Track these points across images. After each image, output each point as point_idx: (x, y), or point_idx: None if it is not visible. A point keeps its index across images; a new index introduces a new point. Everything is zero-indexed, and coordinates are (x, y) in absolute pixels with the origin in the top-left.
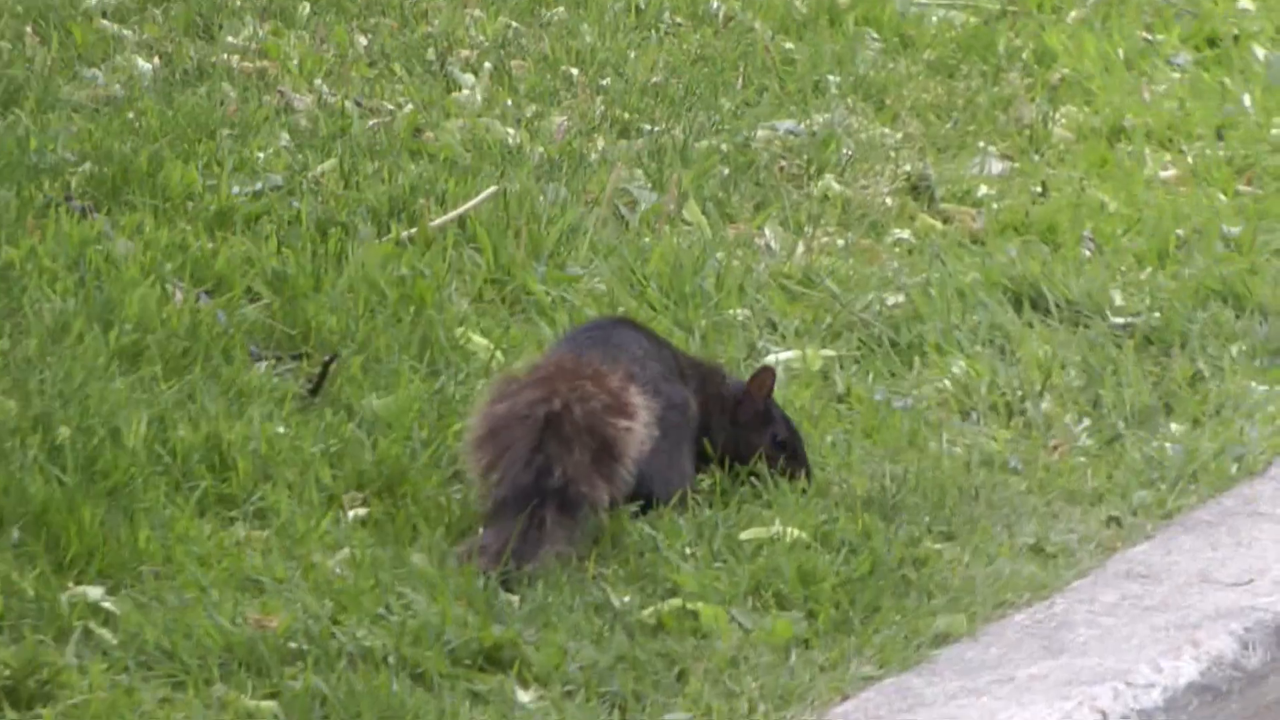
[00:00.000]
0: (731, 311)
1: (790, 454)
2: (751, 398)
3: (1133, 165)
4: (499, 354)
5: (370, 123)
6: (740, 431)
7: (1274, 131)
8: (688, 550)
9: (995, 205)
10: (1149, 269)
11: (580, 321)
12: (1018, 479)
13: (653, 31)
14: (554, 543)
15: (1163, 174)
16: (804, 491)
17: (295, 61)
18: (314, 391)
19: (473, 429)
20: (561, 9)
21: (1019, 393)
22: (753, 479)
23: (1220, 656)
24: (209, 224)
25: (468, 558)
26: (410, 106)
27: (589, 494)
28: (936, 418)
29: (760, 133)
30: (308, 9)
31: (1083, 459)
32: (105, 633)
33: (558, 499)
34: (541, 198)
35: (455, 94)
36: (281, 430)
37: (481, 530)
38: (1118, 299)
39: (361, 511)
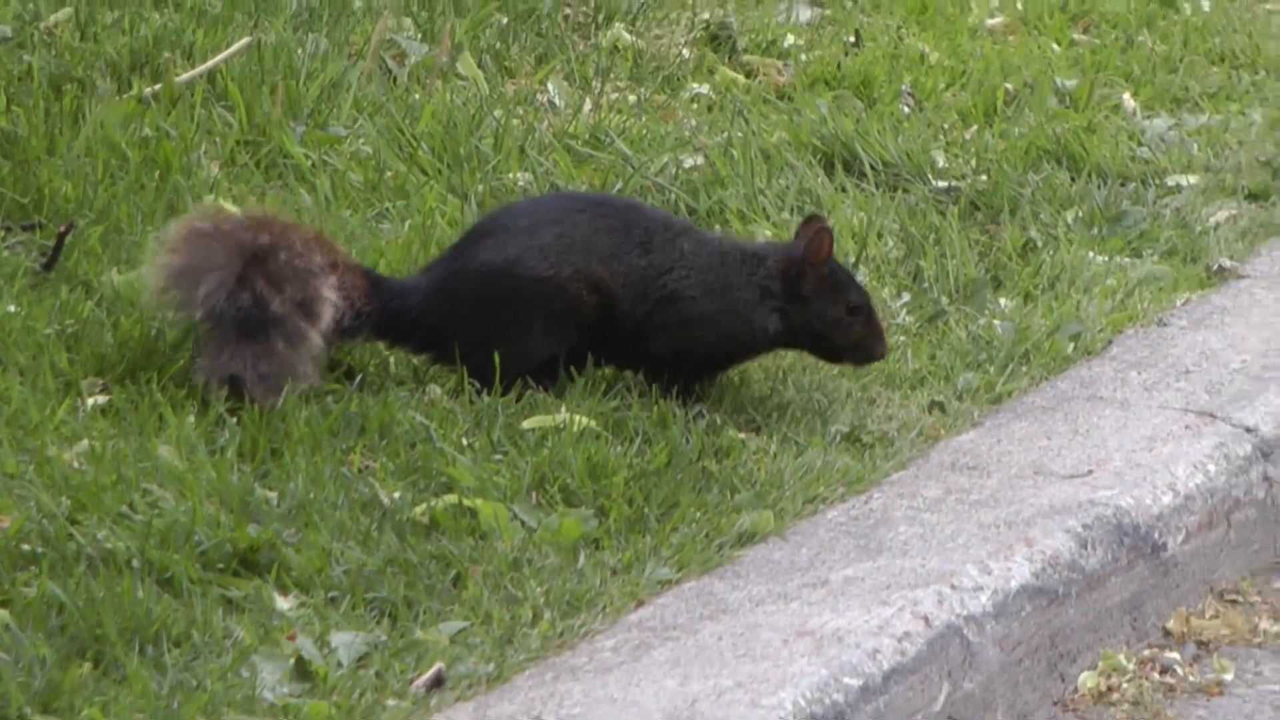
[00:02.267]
0: (511, 175)
1: (865, 319)
2: (811, 264)
3: (956, 12)
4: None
5: None
6: (809, 308)
7: None
8: (464, 441)
9: (803, 56)
10: (974, 127)
11: (342, 185)
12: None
13: None
14: (296, 366)
15: (989, 21)
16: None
17: None
18: (48, 266)
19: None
20: None
21: None
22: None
23: (1056, 556)
24: None
25: (230, 384)
26: None
27: (303, 335)
28: None
29: None
30: None
31: (902, 338)
32: None
33: (282, 330)
34: (300, 50)
35: None
36: (12, 309)
37: (209, 358)
38: (940, 160)
39: (102, 399)
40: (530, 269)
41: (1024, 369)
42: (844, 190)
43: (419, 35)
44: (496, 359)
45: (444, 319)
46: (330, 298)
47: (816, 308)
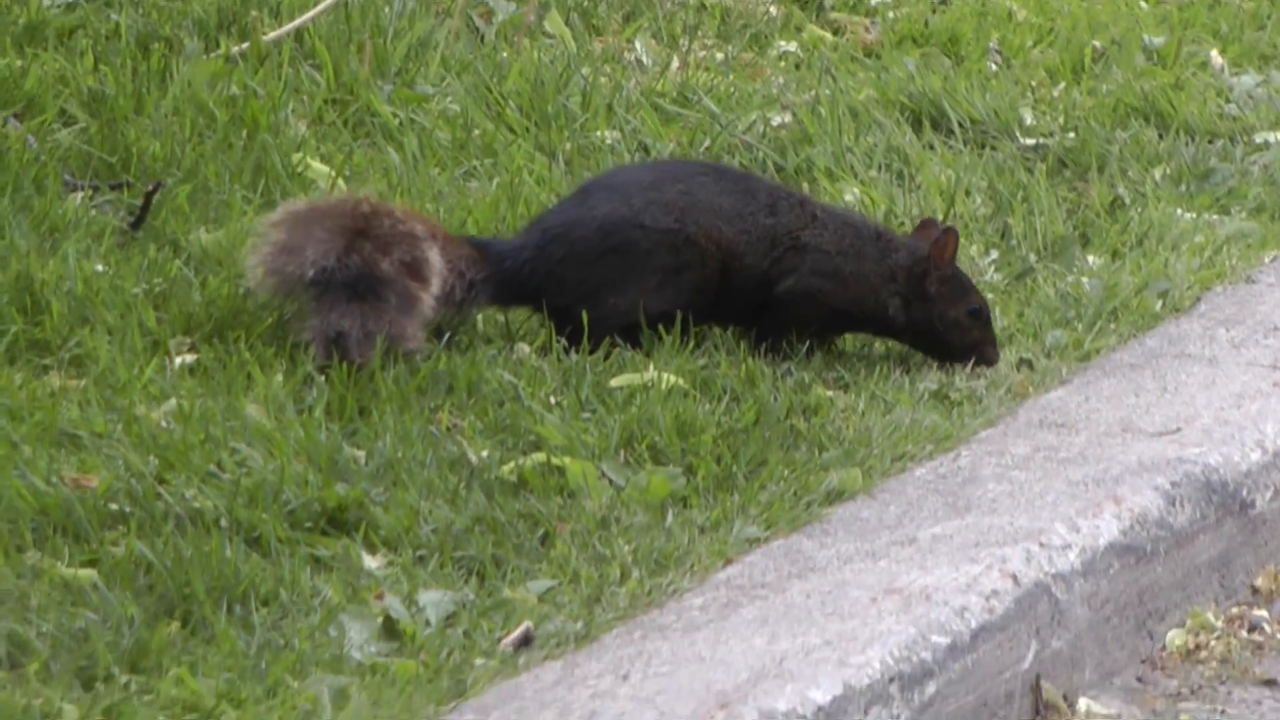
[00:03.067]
0: (599, 134)
1: (983, 324)
2: (937, 265)
3: None
4: (340, 182)
5: None
6: (931, 306)
7: None
8: (552, 399)
9: (891, 14)
10: (1062, 84)
11: (430, 144)
12: None
13: None
14: (406, 325)
15: None
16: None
17: None
18: (136, 225)
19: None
20: None
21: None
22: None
23: (1144, 514)
24: (17, 39)
25: (331, 344)
26: None
27: (416, 295)
28: None
29: None
30: None
31: (990, 295)
32: None
33: (394, 289)
34: (387, 9)
35: None
36: (100, 268)
37: (319, 318)
38: (1028, 118)
39: (189, 358)
40: (656, 221)
41: (1112, 326)
42: (932, 148)
43: None
44: (592, 314)
45: (558, 271)
46: (437, 264)
47: (939, 307)
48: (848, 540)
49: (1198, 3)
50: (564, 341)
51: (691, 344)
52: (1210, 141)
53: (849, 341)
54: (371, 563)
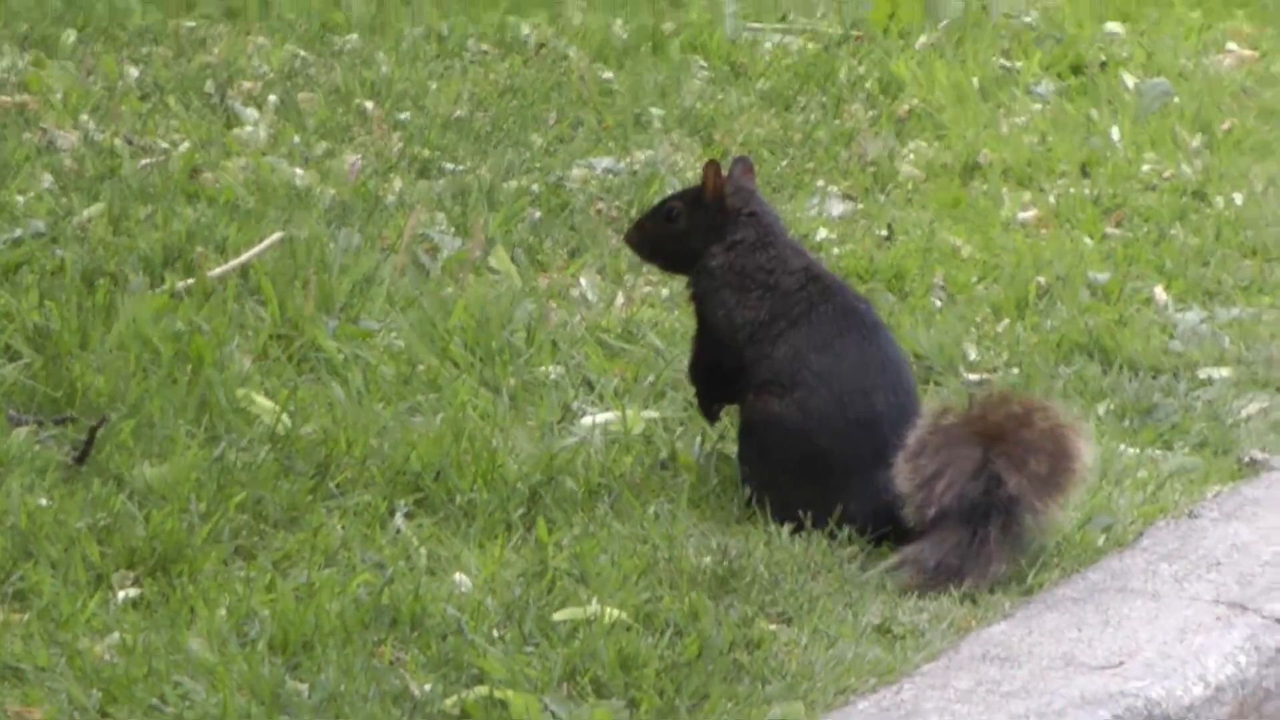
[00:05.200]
0: (544, 369)
1: None
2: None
3: (989, 206)
4: (285, 417)
5: (142, 162)
6: None
7: (1145, 168)
8: (495, 633)
9: (836, 250)
10: (1007, 320)
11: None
12: (862, 553)
13: (456, 60)
14: (999, 560)
15: (1022, 215)
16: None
17: (59, 95)
18: (80, 460)
19: (911, 442)
20: (354, 36)
21: None
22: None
23: None
24: None
25: (903, 571)
26: (187, 144)
27: (1041, 511)
28: None
29: (575, 171)
30: (73, 37)
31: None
32: None
33: (1004, 514)
34: (332, 244)
35: (236, 130)
36: (44, 503)
37: (916, 544)
38: (972, 353)
39: (133, 592)
40: None
41: (1055, 560)
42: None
43: (452, 229)
44: None
45: None
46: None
47: None
48: None
49: (1142, 239)
50: None
51: (635, 576)
52: (1154, 377)
53: (791, 577)
54: None
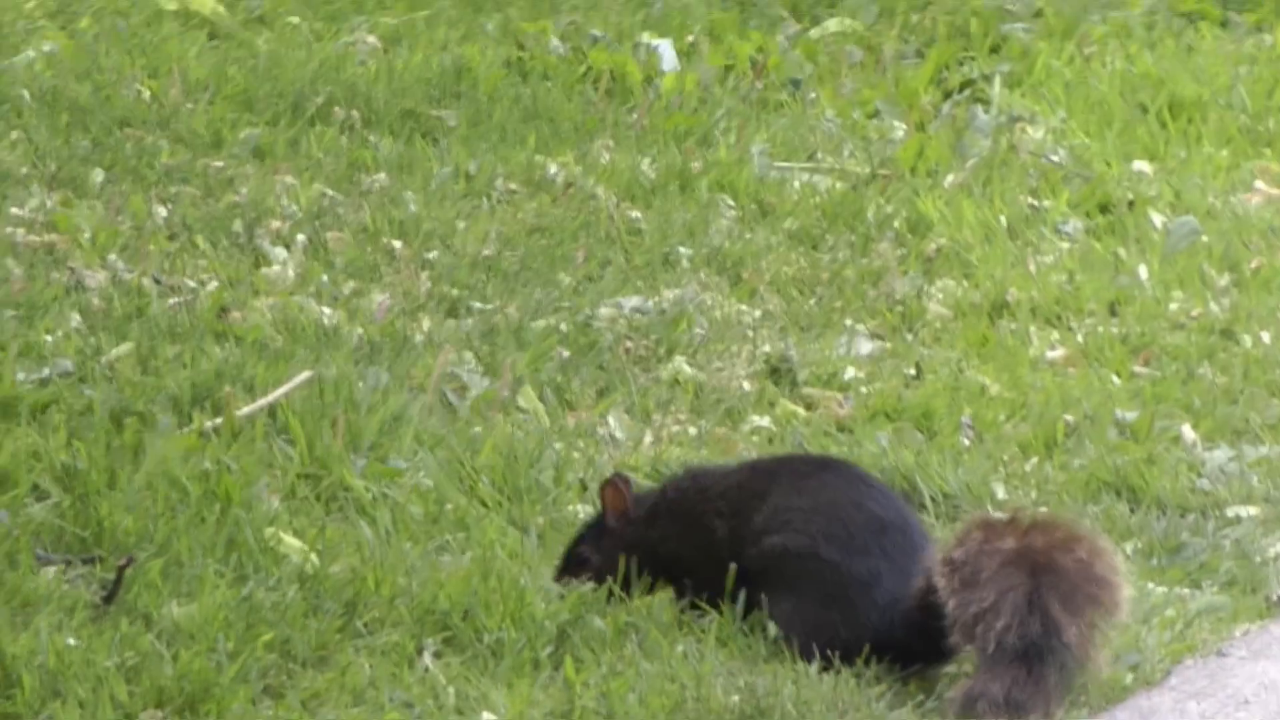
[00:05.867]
0: (572, 508)
1: None
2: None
3: (1017, 344)
4: (313, 557)
5: (170, 301)
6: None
7: (1173, 306)
8: None
9: (864, 389)
10: (1035, 459)
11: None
12: (890, 691)
13: (484, 199)
14: (1057, 701)
15: (1050, 354)
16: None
17: (87, 234)
18: (108, 599)
19: (956, 554)
20: (383, 175)
21: None
22: None
23: None
24: None
25: (979, 706)
26: (215, 283)
27: (1092, 658)
28: None
29: (603, 310)
30: (101, 176)
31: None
32: None
33: (1063, 657)
34: (361, 384)
35: (265, 269)
36: (72, 642)
37: (977, 679)
38: (1000, 492)
39: None
40: None
41: (1082, 699)
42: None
43: (480, 369)
44: None
45: None
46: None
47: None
48: None
49: (1170, 378)
50: None
51: (663, 716)
52: (1182, 516)
53: (818, 714)
54: None
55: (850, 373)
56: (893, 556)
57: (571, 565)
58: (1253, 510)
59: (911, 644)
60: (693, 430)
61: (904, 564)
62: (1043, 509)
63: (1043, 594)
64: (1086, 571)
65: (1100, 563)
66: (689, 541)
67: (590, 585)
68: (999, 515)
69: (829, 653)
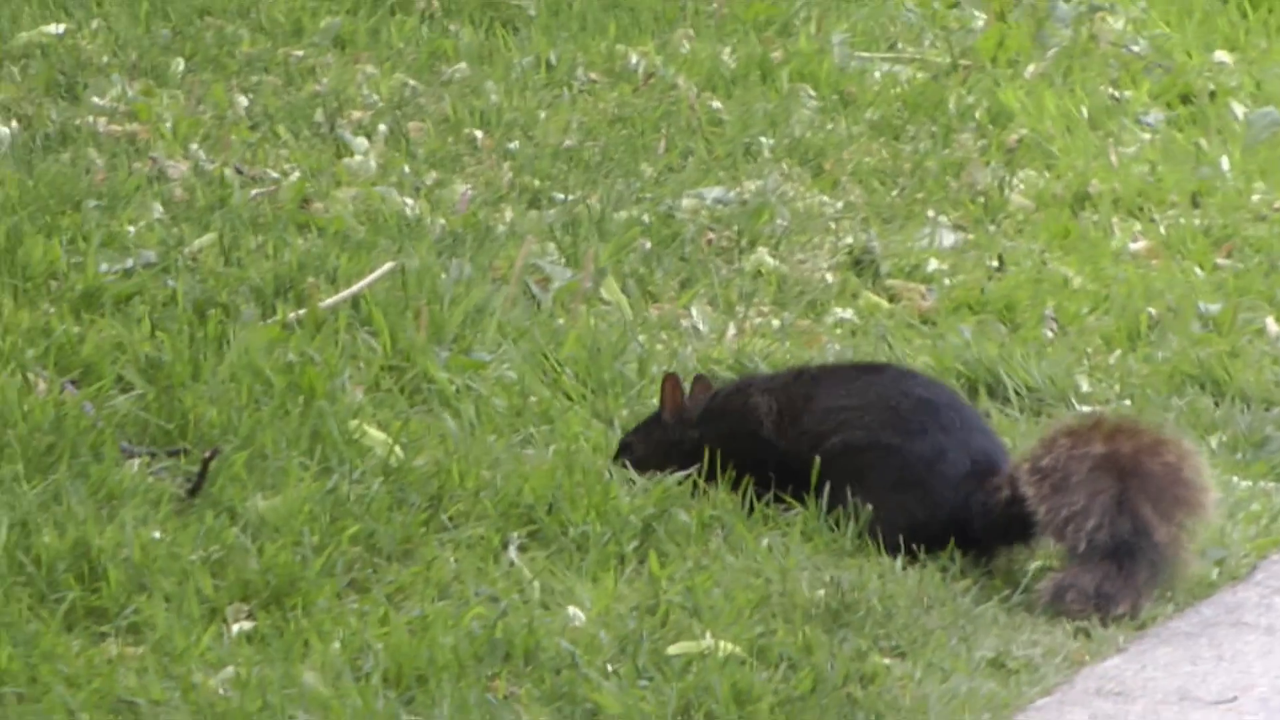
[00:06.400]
0: (656, 400)
1: None
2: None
3: (1099, 236)
4: (397, 449)
5: (253, 192)
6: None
7: (1255, 198)
8: (609, 667)
9: (947, 281)
10: (1118, 351)
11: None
12: (975, 586)
13: (565, 90)
14: (1148, 595)
15: (1132, 246)
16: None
17: (169, 124)
18: (193, 492)
19: (1044, 460)
20: (463, 65)
21: None
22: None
23: None
24: (74, 305)
25: (1068, 597)
26: (297, 174)
27: (1182, 557)
28: None
29: (685, 201)
30: (182, 66)
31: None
32: None
33: (1153, 556)
34: (443, 275)
35: (347, 160)
36: (157, 535)
37: (1069, 572)
38: (1084, 385)
39: (247, 625)
40: None
41: (1168, 594)
42: (988, 415)
43: (563, 260)
44: None
45: None
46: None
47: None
48: None
49: (1253, 270)
50: None
51: (748, 611)
52: (1266, 409)
53: (904, 611)
54: None
55: (933, 264)
56: (951, 431)
57: (620, 452)
58: None
59: (992, 530)
60: (775, 322)
61: (964, 437)
62: (1127, 411)
63: (1132, 496)
64: (1174, 474)
65: (1187, 466)
66: (736, 442)
67: (676, 479)
68: (1083, 419)
69: (908, 537)
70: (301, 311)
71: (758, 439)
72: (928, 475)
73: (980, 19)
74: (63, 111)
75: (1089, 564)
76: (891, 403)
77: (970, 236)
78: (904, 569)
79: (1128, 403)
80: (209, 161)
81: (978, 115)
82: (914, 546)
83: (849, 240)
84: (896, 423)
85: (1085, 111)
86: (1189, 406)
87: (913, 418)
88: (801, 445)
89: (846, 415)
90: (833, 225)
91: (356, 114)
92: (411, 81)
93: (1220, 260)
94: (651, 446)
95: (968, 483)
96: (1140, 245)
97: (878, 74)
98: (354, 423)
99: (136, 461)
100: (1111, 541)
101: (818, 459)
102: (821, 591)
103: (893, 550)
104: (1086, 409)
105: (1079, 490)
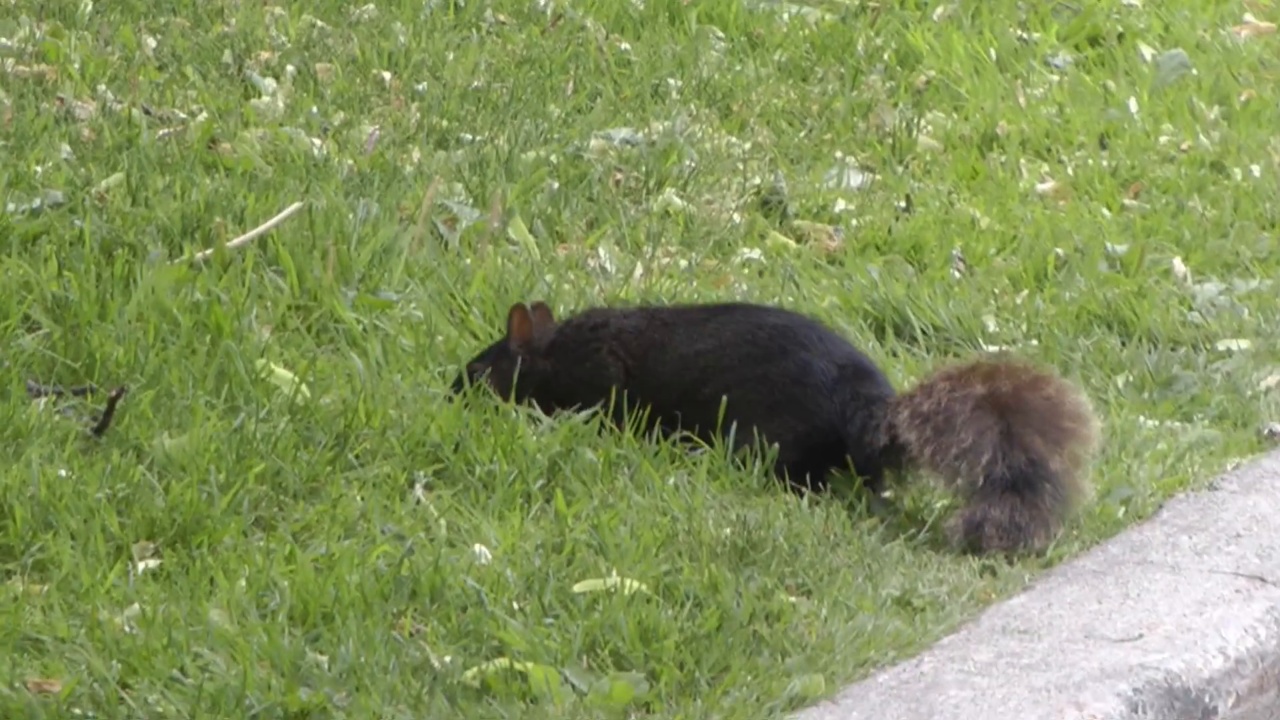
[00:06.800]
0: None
1: None
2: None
3: (1007, 177)
4: (304, 388)
5: (160, 132)
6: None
7: (1162, 140)
8: (515, 605)
9: (854, 222)
10: (1025, 292)
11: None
12: (882, 525)
13: (473, 31)
14: (1055, 526)
15: (1040, 186)
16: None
17: (76, 65)
18: (99, 430)
19: (923, 404)
20: (372, 6)
21: None
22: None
23: None
24: None
25: (984, 532)
26: (205, 114)
27: (1079, 488)
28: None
29: (593, 142)
30: (90, 7)
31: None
32: None
33: (1053, 485)
34: (351, 215)
35: (255, 100)
36: (63, 474)
37: (974, 507)
38: (991, 325)
39: (153, 563)
40: None
41: (1074, 533)
42: (895, 355)
43: (470, 200)
44: None
45: None
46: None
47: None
48: None
49: (1160, 211)
50: None
51: (654, 549)
52: (1173, 349)
53: (810, 549)
54: None
55: (840, 205)
56: (811, 346)
57: (463, 378)
58: (1243, 344)
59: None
60: (683, 263)
61: (826, 348)
62: (1034, 351)
63: (1019, 430)
64: (1056, 408)
65: (1068, 399)
66: (581, 378)
67: (583, 416)
68: (960, 363)
69: (798, 453)
70: (209, 251)
71: (605, 377)
72: (797, 389)
73: None
74: None
75: (992, 498)
76: (748, 336)
77: (878, 177)
78: (810, 507)
79: (1034, 342)
80: (117, 102)
81: (886, 57)
82: (813, 471)
83: (756, 181)
84: (756, 354)
85: (994, 53)
86: (1096, 346)
87: (771, 344)
88: (665, 396)
89: (706, 361)
90: (740, 166)
91: (264, 55)
92: (319, 23)
93: (1128, 201)
94: (499, 376)
95: (841, 388)
96: (1048, 186)
97: (786, 16)
98: (261, 362)
99: (43, 400)
100: (1009, 474)
101: (726, 399)
102: (728, 530)
103: (793, 473)
104: (994, 349)
105: (966, 429)
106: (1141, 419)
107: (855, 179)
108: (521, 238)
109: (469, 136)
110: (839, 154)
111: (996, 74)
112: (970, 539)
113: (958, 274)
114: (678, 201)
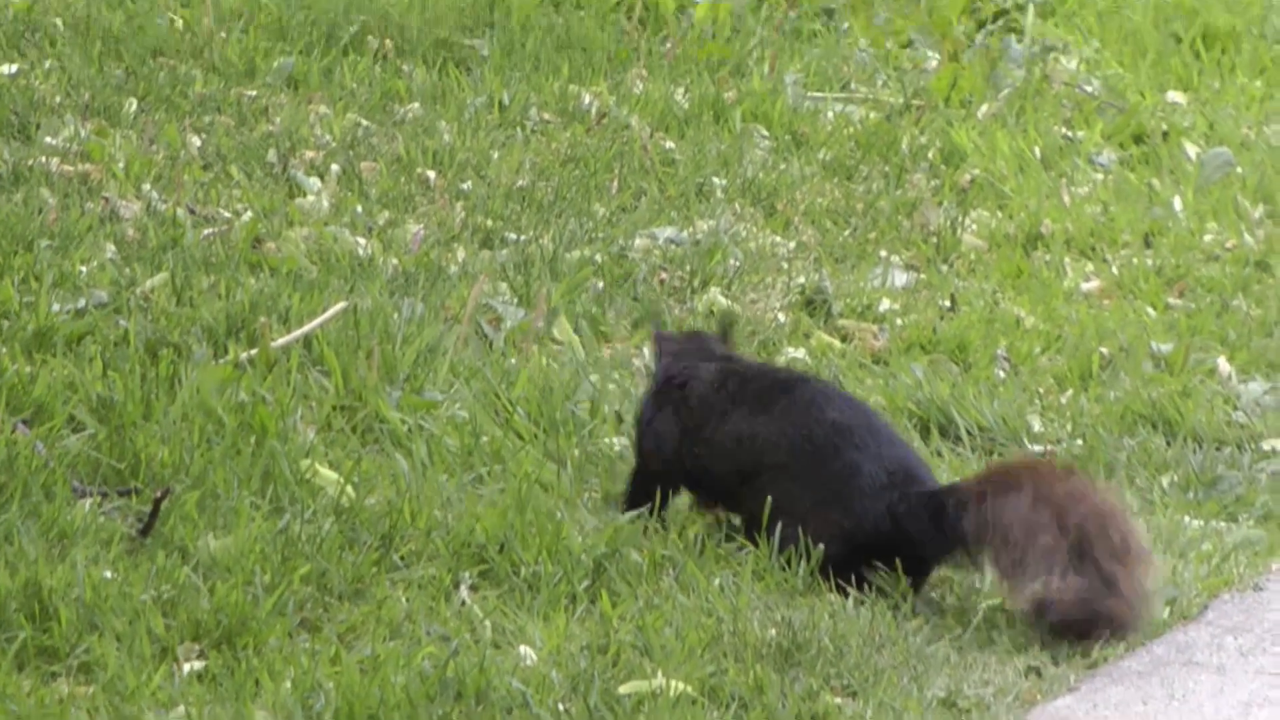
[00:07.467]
0: (607, 440)
1: None
2: None
3: (1051, 276)
4: (349, 489)
5: (205, 232)
6: None
7: (1207, 238)
8: (560, 706)
9: (899, 321)
10: (1070, 391)
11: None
12: (927, 625)
13: (518, 130)
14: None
15: (1085, 285)
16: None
17: (121, 164)
18: (144, 532)
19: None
20: (416, 105)
21: None
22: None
23: None
24: (26, 345)
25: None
26: (249, 214)
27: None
28: None
29: (638, 241)
30: (134, 106)
31: (998, 602)
32: None
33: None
34: (395, 315)
35: (299, 199)
36: (108, 575)
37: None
38: (1036, 425)
39: (198, 665)
40: None
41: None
42: (940, 455)
43: (515, 300)
44: None
45: None
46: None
47: None
48: None
49: (1205, 310)
50: None
51: (700, 650)
52: (1218, 449)
53: (856, 650)
54: None
55: (885, 304)
56: (864, 449)
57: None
58: None
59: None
60: None
61: (879, 450)
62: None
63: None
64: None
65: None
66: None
67: (628, 517)
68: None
69: (840, 550)
70: (253, 351)
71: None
72: (844, 487)
73: (933, 59)
74: (15, 152)
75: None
76: (805, 432)
77: (922, 276)
78: (855, 608)
79: (1079, 442)
80: (161, 201)
81: (930, 155)
82: (858, 573)
83: (801, 280)
84: (810, 451)
85: (1038, 151)
86: (1141, 446)
87: (826, 443)
88: (718, 467)
89: (762, 447)
90: (785, 265)
91: (309, 154)
92: (364, 121)
93: (1172, 300)
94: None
95: (887, 492)
96: (1093, 285)
97: (830, 114)
98: (306, 462)
99: (88, 501)
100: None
101: (770, 500)
102: (773, 630)
103: (837, 570)
104: (1038, 448)
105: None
106: (1186, 519)
107: (900, 278)
108: (566, 337)
109: (514, 236)
110: (884, 253)
111: (1041, 172)
112: (1041, 616)
113: (1002, 373)
114: (722, 300)
